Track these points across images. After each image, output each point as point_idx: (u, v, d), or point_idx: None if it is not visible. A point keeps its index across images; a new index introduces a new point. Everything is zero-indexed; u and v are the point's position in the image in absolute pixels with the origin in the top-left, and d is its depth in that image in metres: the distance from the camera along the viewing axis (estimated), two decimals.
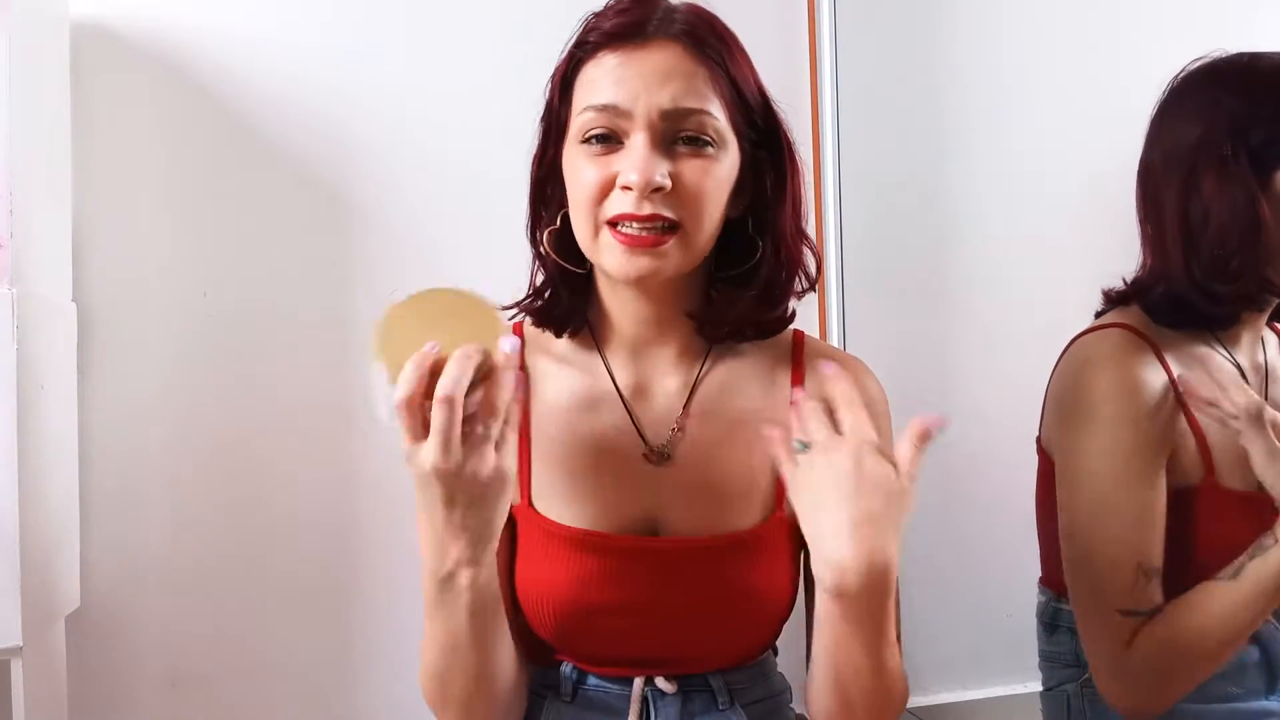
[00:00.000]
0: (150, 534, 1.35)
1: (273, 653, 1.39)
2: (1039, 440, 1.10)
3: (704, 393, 0.91)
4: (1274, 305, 1.04)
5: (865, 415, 0.76)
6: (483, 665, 0.81)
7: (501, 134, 1.44)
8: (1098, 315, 1.10)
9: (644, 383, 0.92)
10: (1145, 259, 1.05)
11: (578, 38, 0.86)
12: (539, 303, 0.92)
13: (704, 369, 0.92)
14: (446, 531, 0.75)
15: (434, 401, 0.70)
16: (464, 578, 0.76)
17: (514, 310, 0.94)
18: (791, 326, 0.95)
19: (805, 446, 0.76)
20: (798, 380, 0.92)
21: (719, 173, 0.83)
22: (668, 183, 0.80)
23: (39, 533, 1.12)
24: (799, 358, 0.94)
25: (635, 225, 0.81)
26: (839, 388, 0.78)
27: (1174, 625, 0.95)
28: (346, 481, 1.41)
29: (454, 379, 0.70)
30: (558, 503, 0.88)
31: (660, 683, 0.88)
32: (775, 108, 0.89)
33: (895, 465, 0.74)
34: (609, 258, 0.83)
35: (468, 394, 0.71)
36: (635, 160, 0.80)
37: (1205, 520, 0.99)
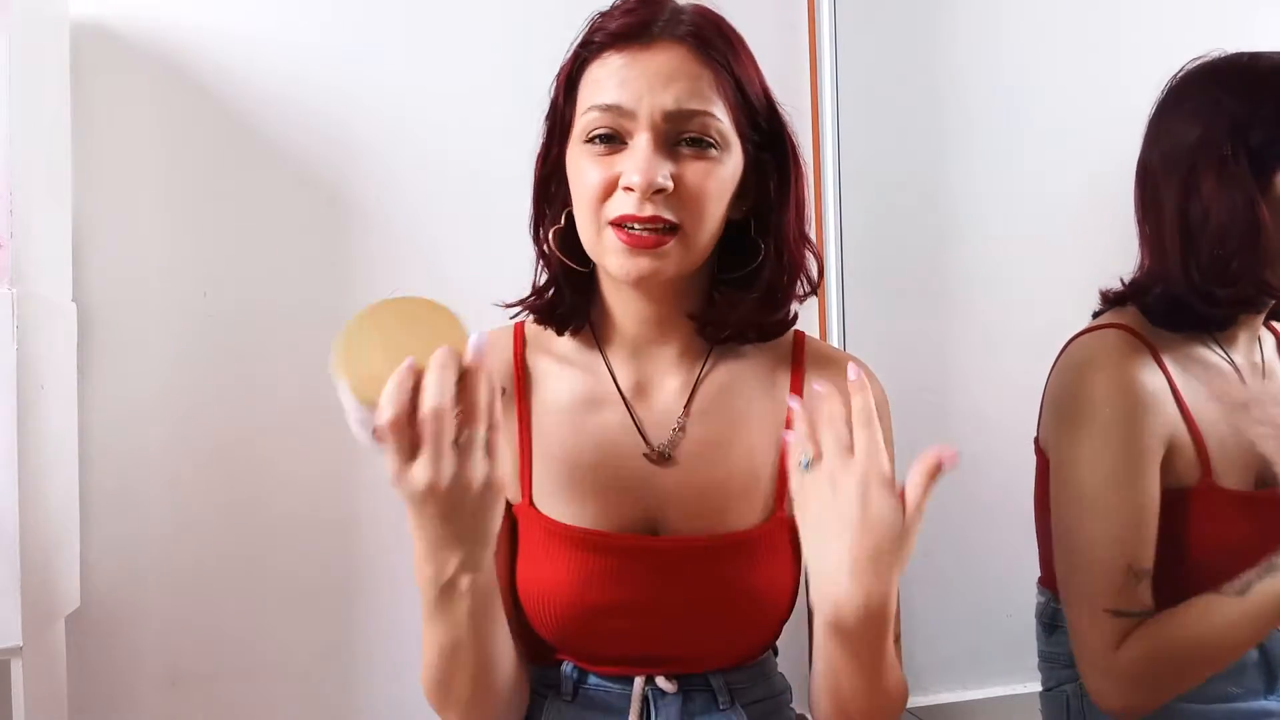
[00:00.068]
0: (150, 534, 1.35)
1: (273, 653, 1.39)
2: (1036, 441, 1.10)
3: (705, 393, 0.91)
4: (1271, 306, 1.04)
5: (880, 438, 0.72)
6: (484, 666, 0.81)
7: (501, 133, 1.45)
8: (1095, 316, 1.10)
9: (645, 382, 0.92)
10: (1143, 259, 1.05)
11: (583, 37, 0.86)
12: (542, 301, 0.92)
13: (705, 369, 0.92)
14: (444, 543, 0.73)
15: (421, 417, 0.68)
16: (464, 583, 0.76)
17: (516, 308, 0.94)
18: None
19: (809, 464, 0.74)
20: (798, 381, 0.92)
21: (721, 175, 0.83)
22: (669, 184, 0.80)
23: (39, 533, 1.12)
24: (799, 358, 0.94)
25: (637, 226, 0.81)
26: (857, 401, 0.74)
27: (1169, 633, 0.95)
28: (346, 481, 1.41)
29: (437, 391, 0.68)
30: (559, 502, 0.88)
31: (661, 682, 0.88)
32: (780, 110, 0.89)
33: (902, 499, 0.71)
34: (611, 258, 0.83)
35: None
36: (638, 161, 0.80)
37: (1202, 521, 0.99)
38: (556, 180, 0.89)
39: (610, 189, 0.82)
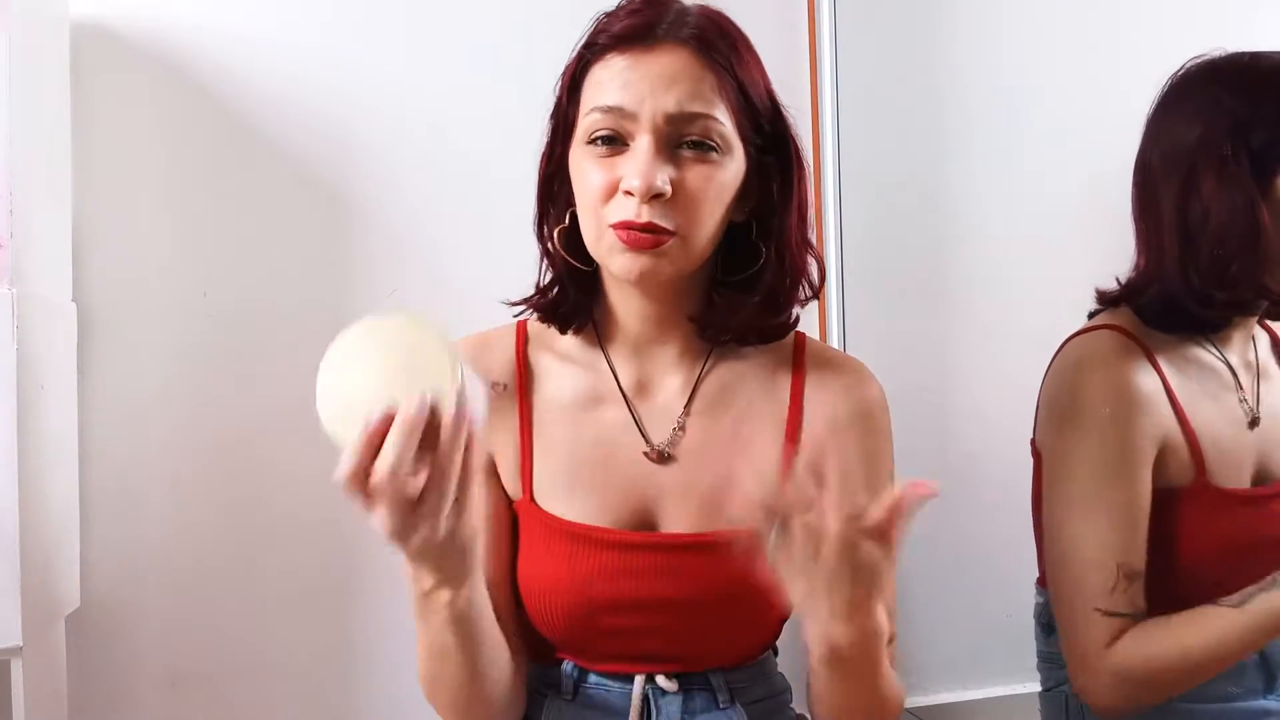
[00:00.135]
0: (150, 534, 1.35)
1: (273, 653, 1.39)
2: (1033, 442, 1.10)
3: (705, 392, 0.91)
4: (1265, 307, 1.04)
5: (856, 486, 0.68)
6: (470, 671, 0.81)
7: (502, 133, 1.45)
8: (1091, 316, 1.10)
9: (646, 381, 0.92)
10: (1138, 259, 1.05)
11: (588, 38, 0.87)
12: (546, 299, 0.92)
13: (706, 368, 0.92)
14: (417, 565, 0.73)
15: (374, 483, 0.65)
16: (442, 597, 0.75)
17: (521, 306, 0.94)
18: None
19: (781, 531, 0.69)
20: (798, 382, 0.92)
21: (722, 178, 0.84)
22: (668, 189, 0.81)
23: (39, 533, 1.12)
24: (800, 360, 0.94)
25: (636, 227, 0.81)
26: (835, 450, 0.72)
27: (1163, 638, 0.95)
28: None
29: (394, 456, 0.64)
30: (559, 498, 0.89)
31: (661, 681, 0.88)
32: (785, 113, 0.89)
33: (885, 535, 0.67)
34: (612, 257, 0.83)
35: (417, 457, 0.65)
36: (638, 165, 0.80)
37: (1198, 521, 0.99)
38: (560, 180, 0.90)
39: (612, 191, 0.82)
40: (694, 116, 0.82)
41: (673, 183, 0.81)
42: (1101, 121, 1.42)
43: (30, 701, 1.10)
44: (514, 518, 0.91)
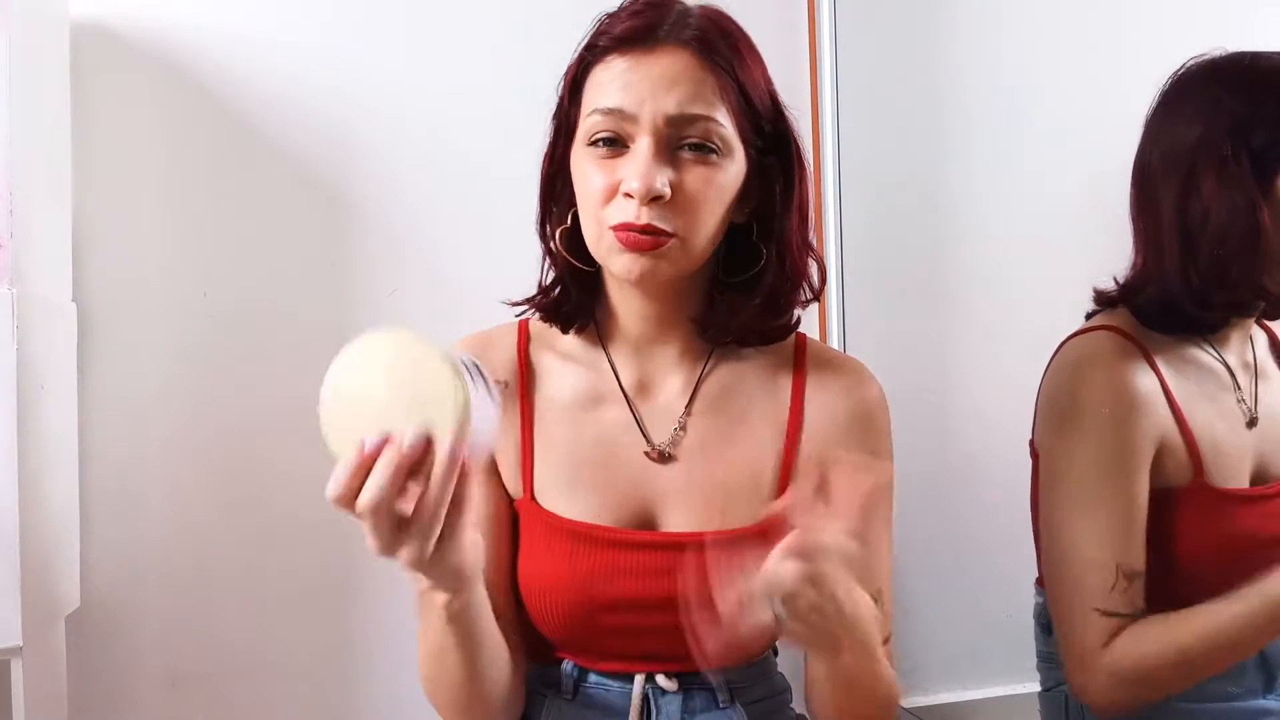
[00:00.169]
0: (150, 534, 1.35)
1: (273, 653, 1.39)
2: (1031, 443, 1.10)
3: (706, 392, 0.91)
4: (1263, 307, 1.04)
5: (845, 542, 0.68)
6: (469, 670, 0.81)
7: (502, 133, 1.45)
8: (1088, 316, 1.10)
9: (647, 381, 0.92)
10: (1136, 259, 1.05)
11: (589, 39, 0.87)
12: (548, 299, 0.93)
13: (707, 368, 0.92)
14: (412, 575, 0.72)
15: (358, 506, 0.64)
16: (439, 599, 0.75)
17: (523, 307, 0.94)
18: None
19: (785, 610, 0.68)
20: (799, 383, 0.92)
21: (722, 180, 0.84)
22: (667, 191, 0.81)
23: (39, 533, 1.12)
24: (801, 361, 0.94)
25: (635, 229, 0.81)
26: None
27: (1158, 636, 0.95)
28: None
29: (376, 489, 0.63)
30: (560, 497, 0.89)
31: (661, 680, 0.89)
32: (787, 115, 0.89)
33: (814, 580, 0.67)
34: (612, 258, 0.84)
35: (408, 483, 0.64)
36: (637, 167, 0.81)
37: (1196, 522, 0.99)
38: (562, 180, 0.90)
39: (612, 193, 0.82)
40: (694, 118, 0.82)
41: (672, 185, 0.81)
42: (1101, 121, 1.42)
43: (30, 701, 1.10)
44: (514, 517, 0.91)
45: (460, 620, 0.77)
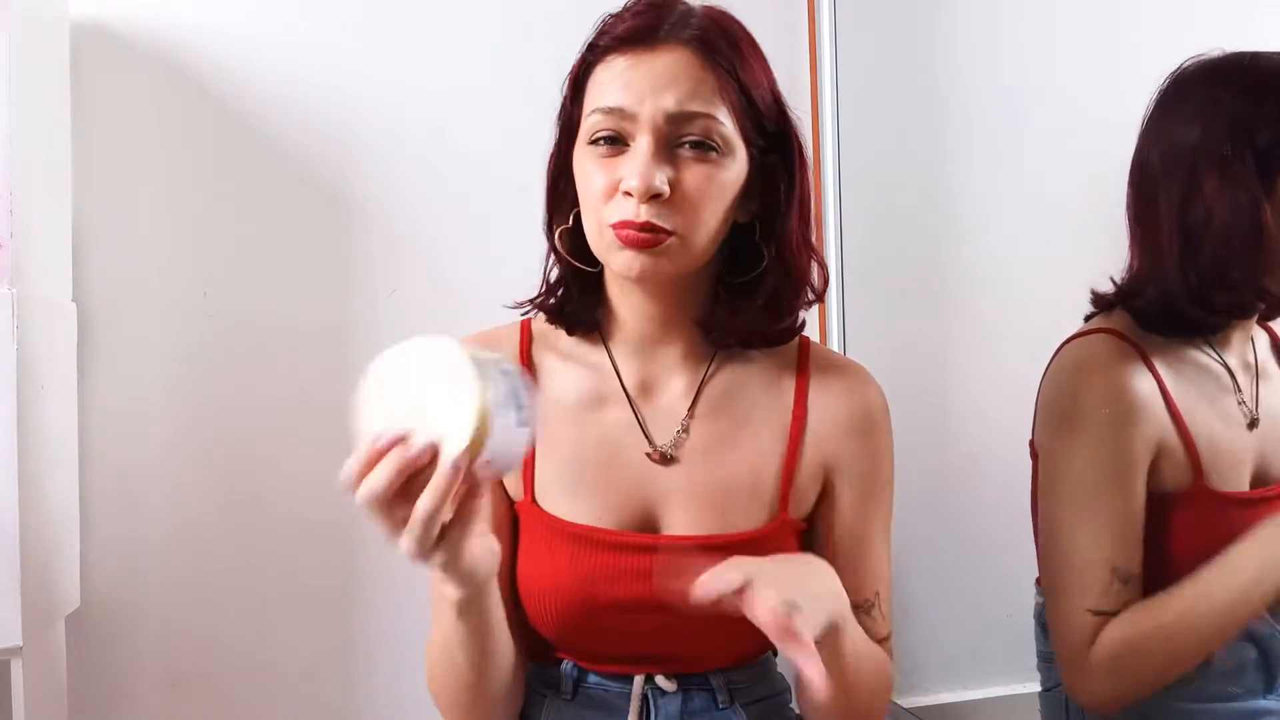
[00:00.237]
0: (150, 534, 1.35)
1: (273, 653, 1.39)
2: (1031, 444, 1.10)
3: (709, 394, 0.91)
4: (1263, 308, 1.04)
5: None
6: (473, 668, 0.81)
7: (502, 134, 1.45)
8: (1086, 319, 1.10)
9: (650, 382, 0.92)
10: (1133, 260, 1.04)
11: (592, 39, 0.87)
12: (551, 299, 0.93)
13: (710, 370, 0.92)
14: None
15: (357, 497, 0.66)
16: (447, 591, 0.75)
17: (526, 307, 0.94)
18: None
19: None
20: (802, 386, 0.92)
21: (722, 179, 0.84)
22: (666, 189, 0.81)
23: (39, 533, 1.12)
24: (804, 364, 0.94)
25: (634, 227, 0.81)
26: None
27: (1140, 620, 0.95)
28: None
29: (371, 488, 0.66)
30: (561, 499, 0.89)
31: (660, 681, 0.88)
32: (790, 115, 0.89)
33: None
34: (613, 255, 0.84)
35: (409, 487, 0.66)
36: (636, 165, 0.81)
37: (1195, 525, 0.99)
38: (566, 180, 0.90)
39: (612, 191, 0.82)
40: (694, 116, 0.82)
41: (671, 183, 0.81)
42: (1101, 121, 1.42)
43: (30, 701, 1.10)
44: (514, 518, 0.91)
45: (469, 617, 0.77)
